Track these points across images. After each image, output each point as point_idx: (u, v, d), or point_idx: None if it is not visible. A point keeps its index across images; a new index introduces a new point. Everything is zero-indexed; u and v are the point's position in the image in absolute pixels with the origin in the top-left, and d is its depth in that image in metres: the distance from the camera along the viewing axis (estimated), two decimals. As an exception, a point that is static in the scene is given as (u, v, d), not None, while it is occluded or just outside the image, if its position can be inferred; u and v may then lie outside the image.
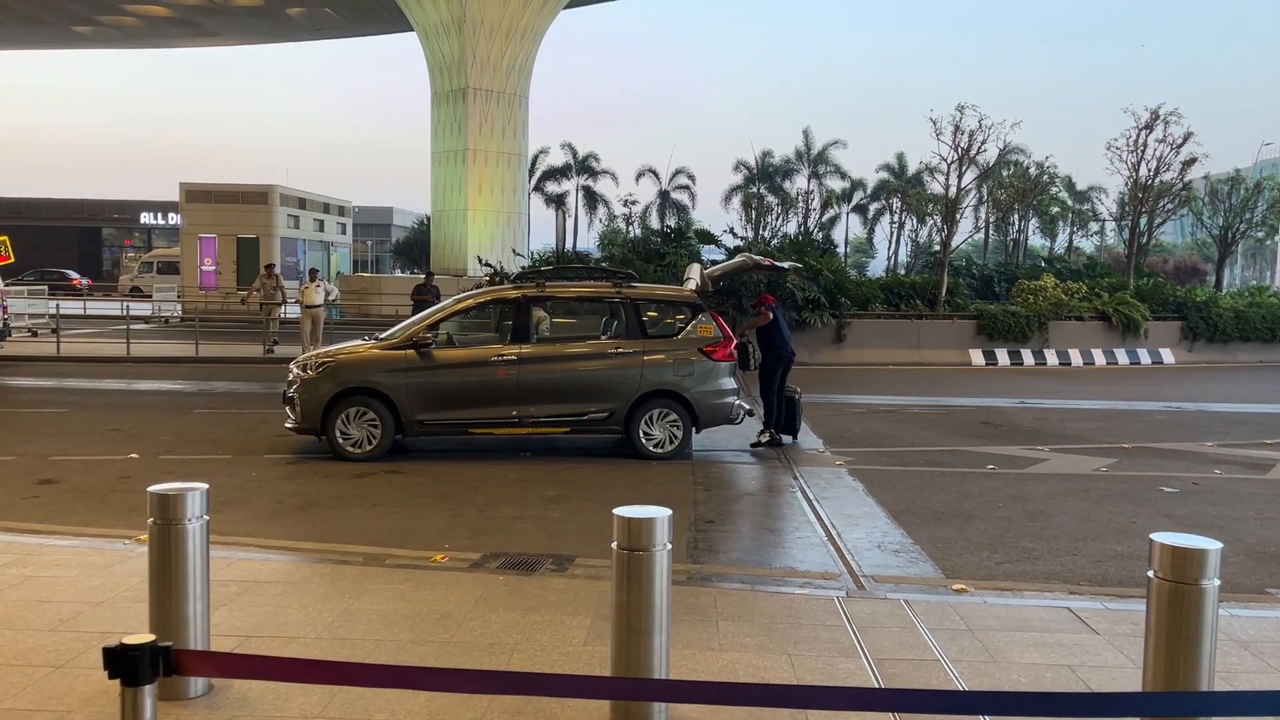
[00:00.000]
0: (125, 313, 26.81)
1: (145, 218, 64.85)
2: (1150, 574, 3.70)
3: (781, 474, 10.20)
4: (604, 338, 11.16)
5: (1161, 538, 3.71)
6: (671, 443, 10.65)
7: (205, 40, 56.72)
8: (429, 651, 4.85)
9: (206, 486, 4.35)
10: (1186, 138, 27.67)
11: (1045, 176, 42.27)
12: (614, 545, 3.98)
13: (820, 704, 2.50)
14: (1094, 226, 59.02)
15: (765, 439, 11.61)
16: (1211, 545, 3.64)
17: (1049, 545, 7.38)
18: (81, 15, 50.59)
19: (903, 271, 49.13)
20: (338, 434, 10.20)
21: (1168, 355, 25.53)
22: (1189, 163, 28.03)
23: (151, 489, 4.24)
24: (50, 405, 14.10)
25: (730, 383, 10.85)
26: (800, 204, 55.45)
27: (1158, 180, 28.50)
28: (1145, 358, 25.22)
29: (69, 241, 63.90)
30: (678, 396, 10.66)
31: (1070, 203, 60.31)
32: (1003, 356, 24.17)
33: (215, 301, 33.90)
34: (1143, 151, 28.03)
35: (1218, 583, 3.63)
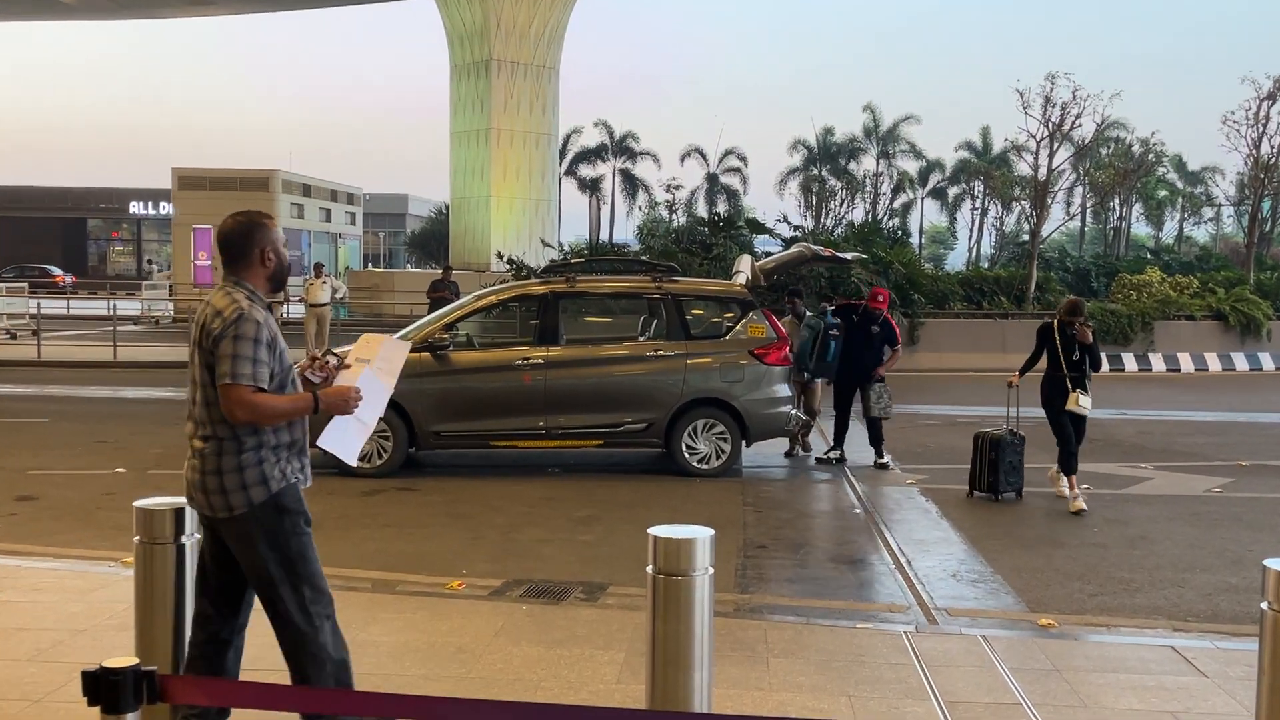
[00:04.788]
0: (112, 312, 27.34)
1: (134, 207, 66.11)
2: (1264, 605, 3.66)
3: (844, 494, 10.17)
4: (642, 339, 11.21)
5: (1276, 564, 3.66)
6: (718, 457, 10.66)
7: (200, 9, 57.73)
8: (443, 688, 4.91)
9: (198, 501, 4.44)
10: (1316, 109, 27.24)
11: (1151, 155, 41.67)
12: (649, 569, 4.00)
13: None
14: (1208, 213, 58.14)
15: (836, 455, 11.59)
16: (1334, 573, 3.58)
17: (1151, 576, 7.30)
18: (65, -17, 51.75)
19: (986, 264, 48.69)
20: (344, 446, 10.30)
21: (1294, 360, 25.06)
22: (1319, 137, 27.57)
23: (138, 504, 4.34)
24: (30, 414, 14.43)
25: (784, 390, 10.85)
26: (868, 188, 55.31)
27: (1282, 158, 28.05)
28: (1268, 363, 24.78)
29: (52, 234, 65.32)
30: (725, 405, 10.68)
31: (1180, 185, 59.48)
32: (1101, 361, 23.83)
33: (211, 300, 34.43)
34: (1264, 125, 27.71)
35: (1343, 616, 3.57)
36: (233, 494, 3.79)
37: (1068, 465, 9.47)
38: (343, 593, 6.38)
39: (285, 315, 25.81)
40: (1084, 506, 9.19)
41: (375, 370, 4.13)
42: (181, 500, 4.38)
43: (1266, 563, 3.69)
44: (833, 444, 11.66)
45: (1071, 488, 9.41)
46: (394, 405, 10.30)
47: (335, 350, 4.13)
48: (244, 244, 3.94)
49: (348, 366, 4.13)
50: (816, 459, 11.68)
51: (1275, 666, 3.62)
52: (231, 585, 3.99)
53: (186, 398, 3.95)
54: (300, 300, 23.66)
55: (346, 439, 4.16)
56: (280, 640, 3.91)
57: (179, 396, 16.66)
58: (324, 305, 22.13)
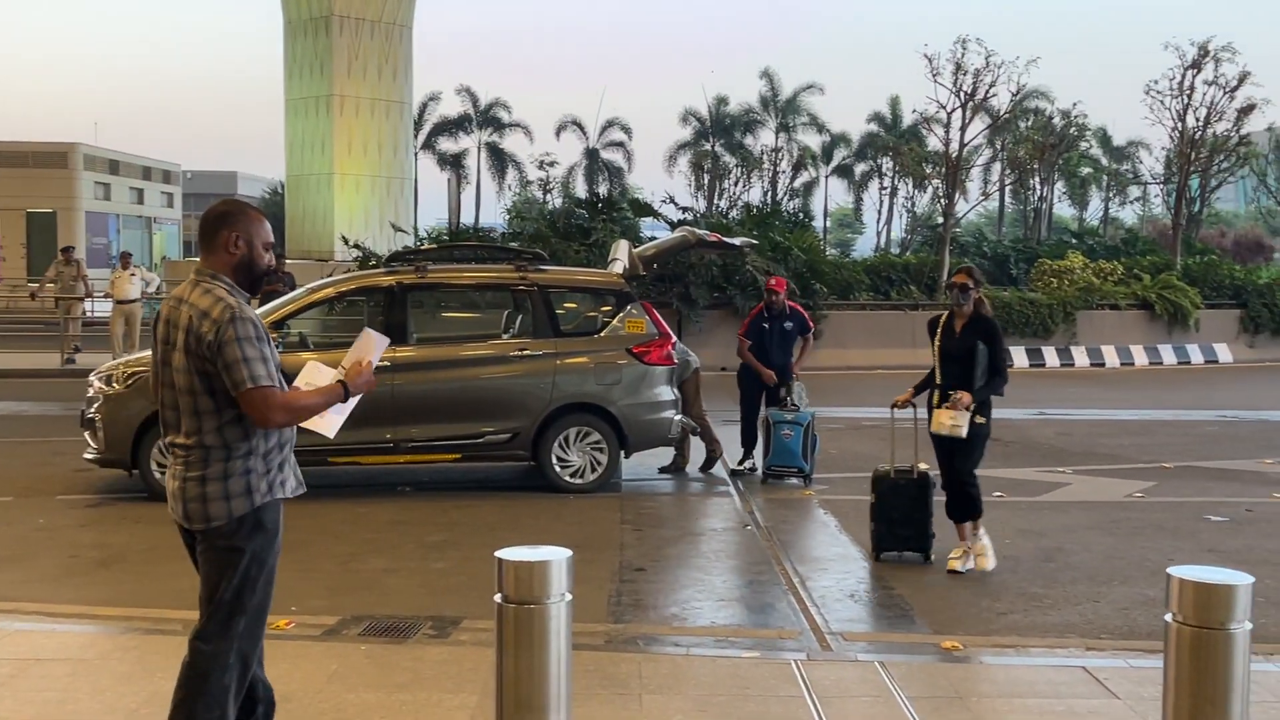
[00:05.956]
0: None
1: (-98, 187, 63.11)
2: (1168, 617, 3.84)
3: (734, 508, 10.31)
4: (506, 336, 11.17)
5: (1181, 572, 3.85)
6: (593, 470, 10.69)
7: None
8: (264, 743, 4.82)
9: (-38, 533, 4.29)
10: (1242, 79, 28.64)
11: (1073, 129, 43.26)
12: (497, 598, 4.00)
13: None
14: (1134, 192, 60.52)
15: (749, 465, 11.72)
16: (1242, 580, 3.78)
17: (1065, 591, 7.59)
18: None
19: (896, 250, 49.86)
20: (154, 466, 10.05)
21: (1223, 352, 26.33)
22: (1246, 110, 28.99)
23: (-114, 538, 4.17)
24: None
25: (667, 393, 10.93)
26: (766, 165, 56.04)
27: (1209, 132, 29.38)
28: (1196, 355, 25.98)
29: None
30: (601, 411, 10.71)
31: (1105, 162, 61.72)
32: (1019, 356, 24.63)
33: (-3, 297, 33.19)
34: (1189, 96, 28.91)
35: (1249, 626, 3.77)
36: (213, 504, 4.03)
37: (963, 506, 7.95)
38: (147, 636, 6.29)
39: (90, 313, 25.00)
40: (959, 568, 7.83)
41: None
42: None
43: (1171, 571, 3.88)
44: (743, 454, 11.78)
45: (961, 538, 8.02)
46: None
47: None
48: (212, 229, 4.14)
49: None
50: (731, 471, 11.80)
51: (1180, 683, 3.80)
52: None
53: (162, 402, 4.15)
54: (106, 296, 22.92)
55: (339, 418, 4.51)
56: (185, 664, 4.10)
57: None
58: (133, 301, 21.49)
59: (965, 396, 7.63)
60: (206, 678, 4.06)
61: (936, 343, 8.08)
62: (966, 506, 7.90)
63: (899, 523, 8.21)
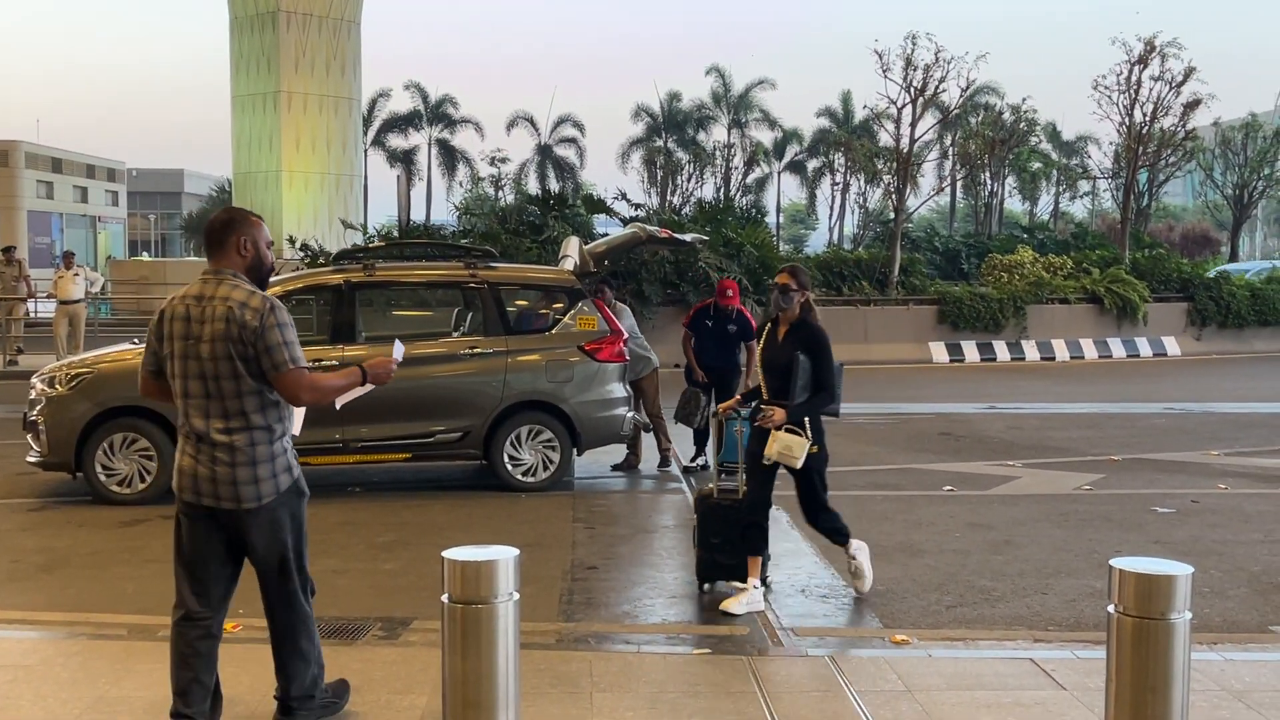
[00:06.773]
0: None
1: None
2: (1110, 608, 3.90)
3: (686, 505, 10.32)
4: (456, 335, 11.16)
5: (1123, 563, 3.91)
6: (546, 468, 10.70)
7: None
8: (210, 748, 4.80)
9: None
10: (1188, 74, 29.03)
11: (1023, 124, 43.68)
12: (444, 598, 4.00)
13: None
14: (1084, 186, 61.22)
15: (702, 463, 11.74)
16: (1181, 570, 3.85)
17: (1013, 583, 7.67)
18: None
19: (849, 246, 50.15)
20: (99, 469, 9.97)
21: (1171, 345, 26.73)
22: (1192, 105, 29.41)
23: None
24: None
25: (619, 390, 10.95)
26: (719, 161, 56.23)
27: (1156, 127, 29.78)
28: (1145, 348, 26.37)
29: None
30: (553, 409, 10.72)
31: (1055, 157, 62.37)
32: (970, 351, 24.91)
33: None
34: (1136, 91, 29.27)
35: (1189, 616, 3.84)
36: (264, 483, 4.52)
37: (748, 540, 7.03)
38: (92, 641, 6.25)
39: (34, 314, 24.68)
40: (735, 611, 6.81)
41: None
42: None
43: (1114, 562, 3.93)
44: (695, 451, 11.83)
45: (751, 574, 7.00)
46: (158, 419, 10.00)
47: None
48: (222, 234, 4.58)
49: None
50: (684, 468, 11.84)
51: (1122, 672, 3.86)
52: (230, 579, 4.75)
53: (187, 393, 4.50)
54: (49, 296, 22.64)
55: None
56: (281, 622, 4.76)
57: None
58: (77, 302, 21.25)
59: (777, 414, 6.72)
60: (306, 619, 4.77)
61: (759, 351, 7.18)
62: (834, 533, 7.26)
63: (721, 549, 7.21)
